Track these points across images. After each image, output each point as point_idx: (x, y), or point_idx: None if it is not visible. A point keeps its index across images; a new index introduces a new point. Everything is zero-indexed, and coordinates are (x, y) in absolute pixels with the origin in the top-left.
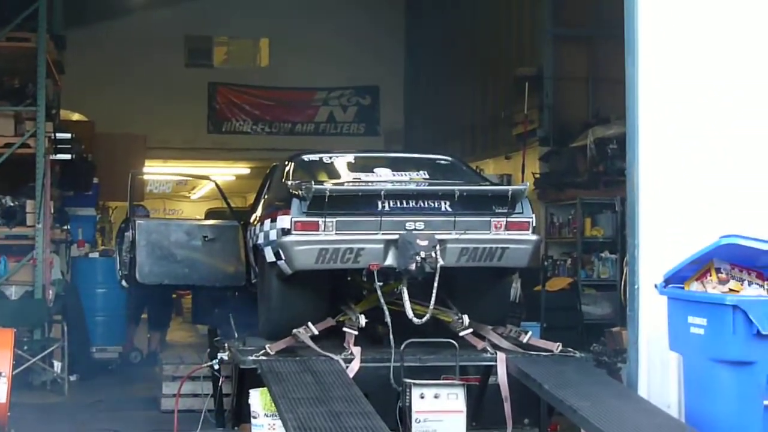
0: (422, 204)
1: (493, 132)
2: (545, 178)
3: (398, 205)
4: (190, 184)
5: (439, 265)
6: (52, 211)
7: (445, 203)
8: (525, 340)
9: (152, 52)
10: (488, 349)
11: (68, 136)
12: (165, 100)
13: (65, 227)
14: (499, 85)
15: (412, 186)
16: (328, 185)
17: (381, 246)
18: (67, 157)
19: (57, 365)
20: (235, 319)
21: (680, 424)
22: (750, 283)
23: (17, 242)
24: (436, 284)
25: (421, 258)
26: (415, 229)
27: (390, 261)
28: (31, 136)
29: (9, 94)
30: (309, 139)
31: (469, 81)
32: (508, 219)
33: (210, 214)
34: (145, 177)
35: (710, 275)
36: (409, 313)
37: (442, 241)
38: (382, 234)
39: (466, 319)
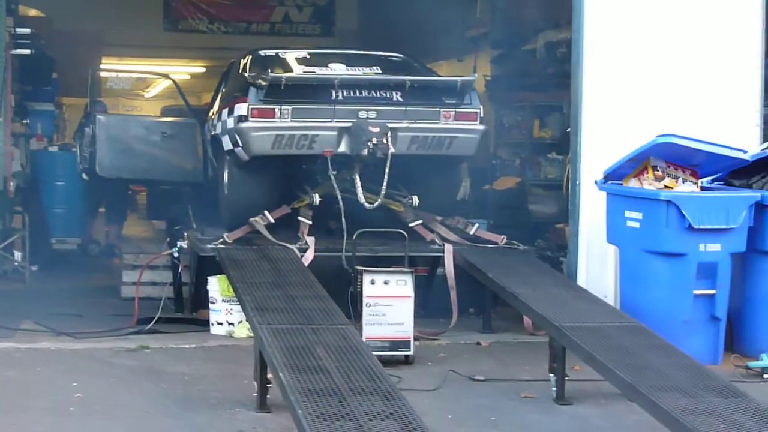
0: (374, 94)
1: (446, 34)
2: (496, 81)
3: (351, 94)
4: (145, 83)
5: (390, 152)
6: (13, 104)
7: (397, 94)
8: (472, 232)
9: None
10: (436, 240)
11: (28, 31)
12: None
13: (25, 121)
14: None
15: (365, 76)
16: (285, 75)
17: (335, 133)
18: (27, 51)
19: (17, 254)
20: (192, 213)
21: (615, 311)
22: (684, 181)
23: None
24: (387, 170)
25: (373, 144)
26: (367, 118)
27: (343, 147)
28: None
29: None
30: (264, 39)
31: None
32: (457, 110)
33: (166, 111)
34: (104, 74)
35: (647, 172)
36: (361, 199)
37: (393, 129)
38: (336, 122)
39: (415, 199)
